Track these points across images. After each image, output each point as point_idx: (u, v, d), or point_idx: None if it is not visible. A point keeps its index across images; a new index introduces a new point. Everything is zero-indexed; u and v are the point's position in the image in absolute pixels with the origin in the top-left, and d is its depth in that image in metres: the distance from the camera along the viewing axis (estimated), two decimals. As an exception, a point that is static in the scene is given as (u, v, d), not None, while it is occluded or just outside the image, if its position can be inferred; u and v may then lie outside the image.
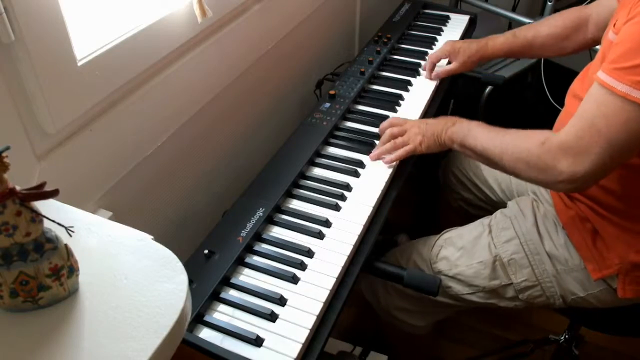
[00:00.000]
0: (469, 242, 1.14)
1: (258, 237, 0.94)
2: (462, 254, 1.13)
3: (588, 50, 1.26)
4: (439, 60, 1.36)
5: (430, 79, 1.36)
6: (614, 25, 0.90)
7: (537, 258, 1.07)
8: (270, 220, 0.97)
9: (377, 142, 1.16)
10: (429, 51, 1.47)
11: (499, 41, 1.31)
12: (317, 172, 1.09)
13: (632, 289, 1.02)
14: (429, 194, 1.57)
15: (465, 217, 1.38)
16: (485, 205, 1.36)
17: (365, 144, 1.15)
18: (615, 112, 0.81)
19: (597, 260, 1.02)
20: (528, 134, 0.95)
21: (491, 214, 1.19)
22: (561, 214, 1.08)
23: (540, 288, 1.08)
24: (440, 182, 1.49)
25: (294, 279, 0.86)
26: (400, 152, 1.08)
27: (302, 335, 0.78)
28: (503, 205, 1.21)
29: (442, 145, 1.08)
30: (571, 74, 1.29)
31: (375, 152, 1.11)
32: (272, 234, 0.95)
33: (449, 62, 1.36)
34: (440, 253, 1.15)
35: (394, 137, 1.11)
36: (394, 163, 1.09)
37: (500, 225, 1.12)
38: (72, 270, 0.52)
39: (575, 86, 1.09)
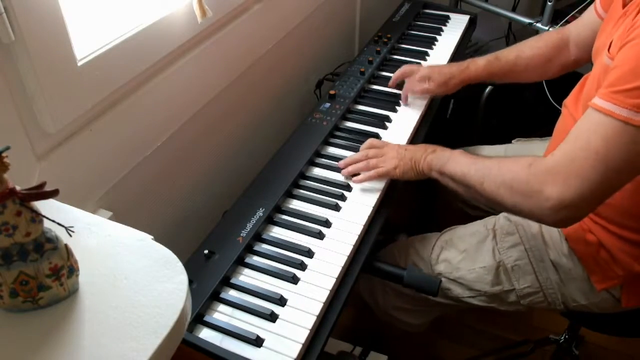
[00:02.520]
0: (472, 246, 1.12)
1: (258, 237, 0.94)
2: (464, 257, 1.12)
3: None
4: (410, 75, 1.27)
5: (389, 85, 1.30)
6: (608, 49, 0.86)
7: (541, 265, 1.06)
8: (270, 220, 0.97)
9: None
10: (429, 51, 1.47)
11: (481, 63, 1.25)
12: (317, 172, 1.09)
13: (636, 298, 1.01)
14: (429, 194, 1.56)
15: (465, 217, 1.37)
16: (485, 206, 1.35)
17: (365, 144, 1.15)
18: (615, 134, 0.76)
19: (601, 271, 1.00)
20: (513, 158, 0.90)
21: (491, 214, 1.18)
22: None
23: (542, 294, 1.07)
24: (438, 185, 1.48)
25: (294, 279, 0.86)
26: (371, 173, 1.03)
27: (302, 335, 0.78)
28: None
29: (420, 173, 1.03)
30: (571, 75, 1.29)
31: (348, 168, 1.06)
32: (272, 234, 0.95)
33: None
34: (441, 255, 1.14)
35: (369, 157, 1.06)
36: (366, 183, 1.04)
37: (505, 230, 1.10)
38: (72, 270, 0.52)
39: (569, 100, 1.07)
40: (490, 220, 1.15)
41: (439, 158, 1.00)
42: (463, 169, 0.95)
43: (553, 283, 1.05)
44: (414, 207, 1.77)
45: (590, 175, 0.79)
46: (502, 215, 1.15)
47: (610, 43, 0.87)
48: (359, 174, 1.06)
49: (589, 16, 1.16)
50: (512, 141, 1.37)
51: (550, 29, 1.68)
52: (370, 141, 1.11)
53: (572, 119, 1.02)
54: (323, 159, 1.11)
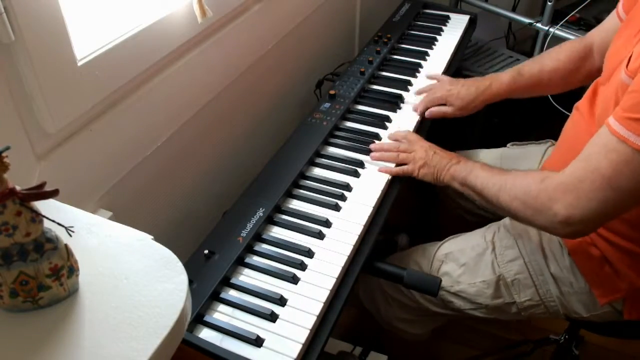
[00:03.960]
0: (472, 259, 1.11)
1: (258, 237, 0.93)
2: (464, 270, 1.11)
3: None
4: (433, 105, 1.24)
5: (419, 113, 1.24)
6: (627, 66, 0.84)
7: (541, 279, 1.05)
8: (270, 220, 0.97)
9: (377, 142, 1.16)
10: (429, 51, 1.47)
11: (504, 80, 1.22)
12: (317, 172, 1.09)
13: (639, 311, 1.00)
14: (429, 195, 1.56)
15: (465, 223, 1.36)
16: (485, 213, 1.34)
17: (365, 144, 1.15)
18: (624, 160, 0.78)
19: (604, 285, 1.00)
20: (528, 172, 0.93)
21: (490, 220, 1.18)
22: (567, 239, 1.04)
23: (543, 307, 1.06)
24: (437, 190, 1.48)
25: (294, 279, 0.86)
26: (397, 170, 1.08)
27: (302, 335, 0.78)
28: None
29: (439, 182, 1.06)
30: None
31: (377, 154, 1.11)
32: (272, 234, 0.95)
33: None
34: (441, 268, 1.13)
35: (399, 149, 1.10)
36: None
37: (504, 243, 1.10)
38: (72, 270, 0.52)
39: (582, 103, 1.06)
40: (489, 231, 1.14)
41: (462, 169, 1.02)
42: (482, 181, 0.97)
43: (554, 296, 1.05)
44: (414, 207, 1.77)
45: (596, 196, 0.81)
46: (502, 225, 1.14)
47: (630, 57, 0.85)
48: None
49: (611, 21, 1.12)
50: (507, 145, 1.36)
51: (550, 30, 1.68)
52: (406, 135, 1.15)
53: (585, 123, 1.01)
54: (323, 159, 1.11)
